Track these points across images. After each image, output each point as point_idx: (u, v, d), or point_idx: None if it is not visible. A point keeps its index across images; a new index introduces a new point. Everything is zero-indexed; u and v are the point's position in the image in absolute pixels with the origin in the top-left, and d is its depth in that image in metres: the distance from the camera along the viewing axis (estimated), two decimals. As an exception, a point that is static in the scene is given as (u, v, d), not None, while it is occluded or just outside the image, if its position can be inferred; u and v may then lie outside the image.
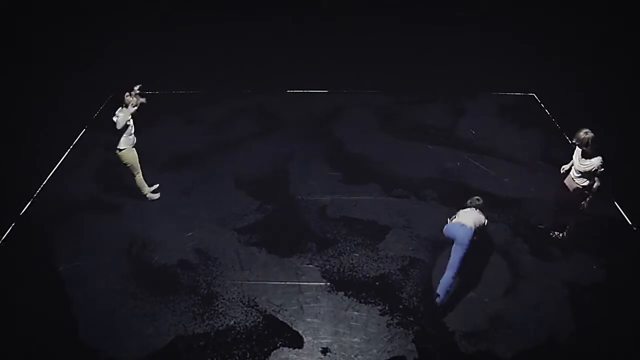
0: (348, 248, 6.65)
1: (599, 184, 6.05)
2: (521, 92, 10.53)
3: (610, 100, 9.08)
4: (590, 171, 5.99)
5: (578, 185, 6.18)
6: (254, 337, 5.49)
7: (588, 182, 6.09)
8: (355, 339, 5.46)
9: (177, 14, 11.48)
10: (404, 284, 6.13)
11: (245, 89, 10.65)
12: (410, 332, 5.54)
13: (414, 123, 9.51)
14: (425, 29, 11.22)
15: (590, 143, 5.85)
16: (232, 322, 5.65)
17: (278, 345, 5.41)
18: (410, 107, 10.10)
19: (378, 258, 6.50)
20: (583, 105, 9.25)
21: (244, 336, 5.50)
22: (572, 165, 6.24)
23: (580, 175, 6.11)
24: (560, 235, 6.66)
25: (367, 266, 6.38)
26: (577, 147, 6.09)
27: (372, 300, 5.91)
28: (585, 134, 5.85)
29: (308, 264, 6.40)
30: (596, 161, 5.94)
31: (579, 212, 6.31)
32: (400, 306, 5.83)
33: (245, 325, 5.62)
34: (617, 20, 9.82)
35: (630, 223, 7.00)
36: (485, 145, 8.81)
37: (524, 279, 6.16)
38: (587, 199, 6.17)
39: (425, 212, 7.25)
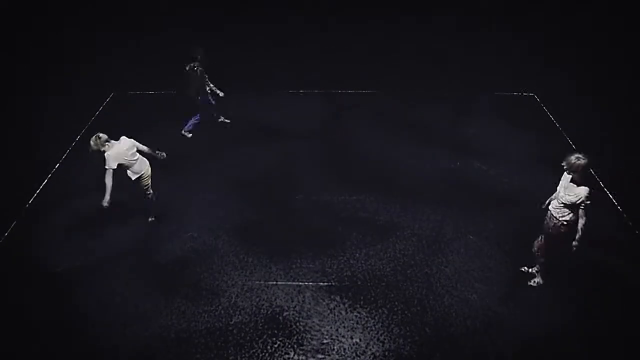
0: (348, 248, 6.65)
1: (584, 221, 5.29)
2: (521, 92, 10.54)
3: (611, 101, 9.08)
4: (574, 203, 5.29)
5: (558, 220, 5.48)
6: (255, 337, 5.50)
7: (570, 215, 5.38)
8: (355, 339, 5.46)
9: (177, 14, 11.46)
10: (404, 284, 6.13)
11: (245, 89, 10.65)
12: (411, 332, 5.54)
13: (414, 123, 9.51)
14: (425, 28, 11.21)
15: (581, 170, 5.21)
16: (232, 323, 5.66)
17: (278, 345, 5.42)
18: (410, 107, 10.10)
19: (378, 258, 6.50)
20: (583, 106, 9.26)
21: (244, 337, 5.50)
22: (555, 196, 5.55)
23: (562, 206, 5.42)
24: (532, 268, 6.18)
25: (367, 266, 6.38)
26: (564, 175, 5.43)
27: (373, 301, 5.92)
28: (577, 159, 5.18)
29: (308, 265, 6.40)
30: (582, 191, 5.24)
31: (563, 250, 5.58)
32: (401, 306, 5.84)
33: (246, 326, 5.62)
34: (617, 20, 9.81)
35: (630, 224, 7.00)
36: (485, 145, 8.81)
37: (524, 279, 6.16)
38: (574, 241, 5.37)
39: (426, 212, 7.25)
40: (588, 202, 5.23)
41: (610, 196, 7.51)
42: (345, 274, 6.27)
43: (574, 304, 5.84)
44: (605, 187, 7.69)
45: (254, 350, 5.35)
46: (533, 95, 10.43)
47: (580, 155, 5.21)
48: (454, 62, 11.09)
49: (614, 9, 9.87)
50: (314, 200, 7.50)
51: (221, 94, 8.85)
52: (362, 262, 6.44)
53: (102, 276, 6.22)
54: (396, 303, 5.87)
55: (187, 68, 8.49)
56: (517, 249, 6.57)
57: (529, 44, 10.64)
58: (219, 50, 11.46)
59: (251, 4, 11.47)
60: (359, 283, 6.14)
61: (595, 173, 7.97)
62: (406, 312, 5.77)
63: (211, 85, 8.80)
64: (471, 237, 6.77)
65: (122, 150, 6.26)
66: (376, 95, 10.48)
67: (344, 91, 10.61)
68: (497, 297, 5.92)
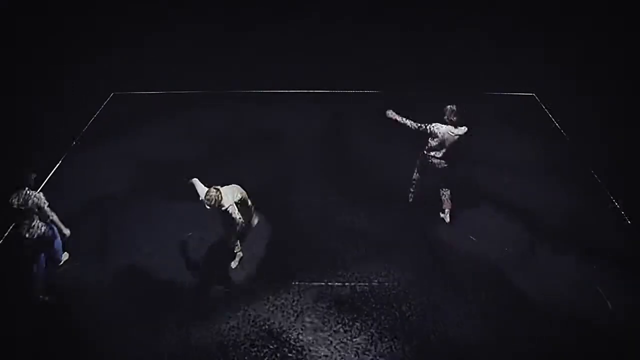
0: (348, 251, 6.62)
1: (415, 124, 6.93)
2: (521, 92, 10.53)
3: (611, 100, 9.09)
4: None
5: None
6: (255, 339, 5.49)
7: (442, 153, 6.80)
8: (356, 340, 5.46)
9: (177, 14, 11.48)
10: (403, 287, 6.10)
11: (245, 90, 10.65)
12: (410, 336, 5.53)
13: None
14: (425, 29, 11.23)
15: (454, 115, 6.68)
16: (232, 324, 5.65)
17: (278, 347, 5.41)
18: (410, 107, 10.06)
19: (378, 261, 6.47)
20: (583, 105, 9.27)
21: (244, 338, 5.50)
22: None
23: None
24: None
25: (367, 269, 6.36)
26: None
27: (372, 303, 5.90)
28: (451, 106, 6.70)
29: (308, 266, 6.38)
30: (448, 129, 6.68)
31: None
32: (400, 309, 5.82)
33: (246, 327, 5.61)
34: (617, 20, 9.82)
35: (630, 224, 7.00)
36: (485, 145, 8.79)
37: (525, 287, 6.09)
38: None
39: (425, 215, 7.21)
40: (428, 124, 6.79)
41: (610, 196, 7.50)
42: (345, 276, 6.24)
43: (575, 309, 5.79)
44: (605, 187, 7.68)
45: (255, 352, 5.33)
46: (533, 95, 10.43)
47: (452, 104, 6.68)
48: (453, 62, 11.09)
49: (614, 9, 9.89)
50: (313, 202, 7.46)
51: (66, 232, 6.06)
52: (362, 265, 6.40)
53: (101, 278, 6.20)
54: (396, 306, 5.84)
55: (20, 199, 5.86)
56: (519, 252, 6.55)
57: (528, 44, 10.65)
58: (219, 50, 11.52)
59: (251, 3, 11.49)
60: (359, 286, 6.12)
61: (595, 173, 7.98)
62: (406, 315, 5.74)
63: (53, 215, 5.96)
64: (474, 239, 6.73)
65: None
66: (376, 95, 10.47)
67: (344, 91, 10.60)
68: (498, 307, 5.84)
